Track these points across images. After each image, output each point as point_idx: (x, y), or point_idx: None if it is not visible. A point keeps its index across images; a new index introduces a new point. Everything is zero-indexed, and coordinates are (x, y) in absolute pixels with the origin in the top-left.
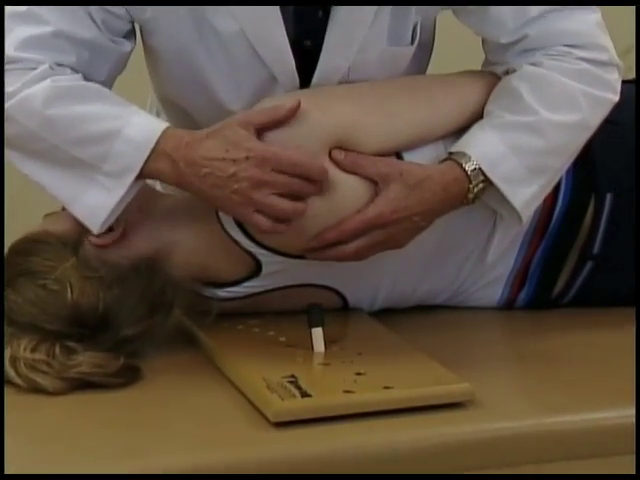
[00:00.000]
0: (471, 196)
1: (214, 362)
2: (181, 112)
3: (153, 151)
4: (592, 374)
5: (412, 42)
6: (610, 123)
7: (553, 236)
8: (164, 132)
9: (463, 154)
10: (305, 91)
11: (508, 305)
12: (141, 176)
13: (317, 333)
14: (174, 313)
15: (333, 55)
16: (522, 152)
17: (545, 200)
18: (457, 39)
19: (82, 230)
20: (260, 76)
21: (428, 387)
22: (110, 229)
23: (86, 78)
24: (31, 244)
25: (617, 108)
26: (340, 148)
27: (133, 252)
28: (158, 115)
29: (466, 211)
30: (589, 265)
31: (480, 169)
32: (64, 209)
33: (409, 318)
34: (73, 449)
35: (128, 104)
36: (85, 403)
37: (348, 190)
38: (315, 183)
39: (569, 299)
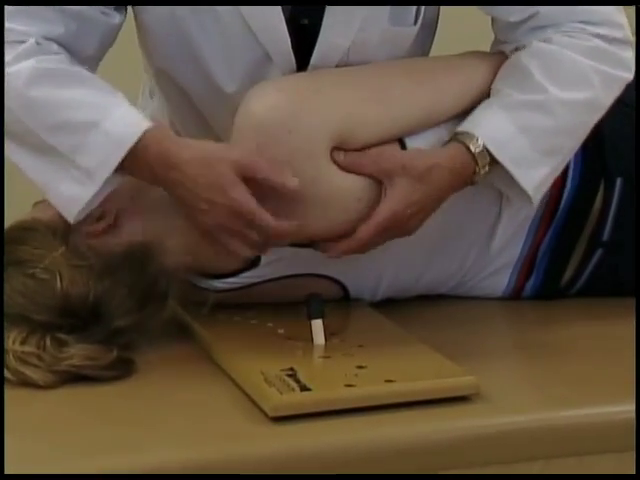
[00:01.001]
0: (477, 178)
1: (210, 355)
2: (175, 88)
3: (131, 152)
4: (600, 367)
5: (415, 22)
6: (620, 104)
7: (562, 222)
8: (146, 132)
9: (470, 136)
10: (302, 76)
11: (515, 295)
12: (117, 173)
13: (317, 325)
14: (168, 304)
15: (332, 34)
16: (531, 132)
17: (553, 185)
18: (461, 18)
19: None
20: (254, 55)
21: (432, 380)
22: (101, 217)
23: (74, 50)
24: (20, 232)
25: (627, 89)
26: (341, 143)
27: (125, 240)
28: (151, 95)
29: (470, 195)
30: (599, 252)
31: (487, 151)
32: None
33: (412, 309)
34: (64, 445)
35: (113, 92)
36: (76, 397)
37: (348, 196)
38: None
39: (578, 288)
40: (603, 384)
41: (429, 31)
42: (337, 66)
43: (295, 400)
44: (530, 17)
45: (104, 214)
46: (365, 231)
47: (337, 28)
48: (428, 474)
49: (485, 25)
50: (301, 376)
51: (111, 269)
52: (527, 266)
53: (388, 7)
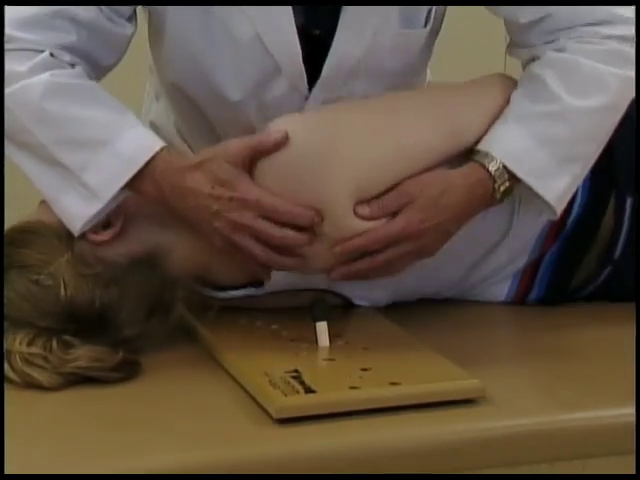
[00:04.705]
0: (498, 196)
1: (215, 357)
2: (182, 95)
3: (140, 171)
4: (603, 370)
5: (426, 24)
6: (629, 119)
7: (569, 235)
8: (156, 154)
9: (486, 154)
10: (317, 119)
11: (519, 301)
12: (122, 191)
13: (321, 327)
14: (174, 312)
15: (345, 43)
16: (549, 143)
17: None
18: (460, 21)
19: None
20: (264, 66)
21: (436, 383)
22: (108, 225)
23: (87, 59)
24: (24, 235)
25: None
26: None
27: (132, 249)
28: (157, 97)
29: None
30: (608, 269)
31: (505, 167)
32: None
33: (416, 312)
34: (69, 447)
35: (125, 112)
36: (80, 399)
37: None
38: (304, 231)
39: (582, 297)
40: (607, 387)
41: (435, 33)
42: (349, 74)
43: (299, 402)
44: (541, 19)
45: (110, 223)
46: (376, 231)
47: (350, 37)
48: (433, 474)
49: (487, 28)
50: (305, 378)
51: (117, 278)
52: (529, 276)
53: (398, 11)
